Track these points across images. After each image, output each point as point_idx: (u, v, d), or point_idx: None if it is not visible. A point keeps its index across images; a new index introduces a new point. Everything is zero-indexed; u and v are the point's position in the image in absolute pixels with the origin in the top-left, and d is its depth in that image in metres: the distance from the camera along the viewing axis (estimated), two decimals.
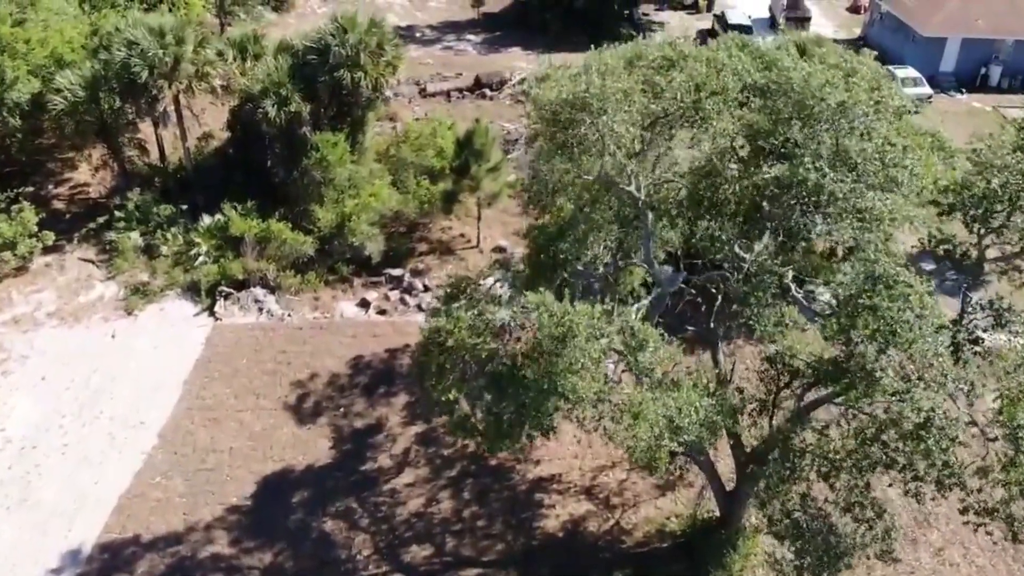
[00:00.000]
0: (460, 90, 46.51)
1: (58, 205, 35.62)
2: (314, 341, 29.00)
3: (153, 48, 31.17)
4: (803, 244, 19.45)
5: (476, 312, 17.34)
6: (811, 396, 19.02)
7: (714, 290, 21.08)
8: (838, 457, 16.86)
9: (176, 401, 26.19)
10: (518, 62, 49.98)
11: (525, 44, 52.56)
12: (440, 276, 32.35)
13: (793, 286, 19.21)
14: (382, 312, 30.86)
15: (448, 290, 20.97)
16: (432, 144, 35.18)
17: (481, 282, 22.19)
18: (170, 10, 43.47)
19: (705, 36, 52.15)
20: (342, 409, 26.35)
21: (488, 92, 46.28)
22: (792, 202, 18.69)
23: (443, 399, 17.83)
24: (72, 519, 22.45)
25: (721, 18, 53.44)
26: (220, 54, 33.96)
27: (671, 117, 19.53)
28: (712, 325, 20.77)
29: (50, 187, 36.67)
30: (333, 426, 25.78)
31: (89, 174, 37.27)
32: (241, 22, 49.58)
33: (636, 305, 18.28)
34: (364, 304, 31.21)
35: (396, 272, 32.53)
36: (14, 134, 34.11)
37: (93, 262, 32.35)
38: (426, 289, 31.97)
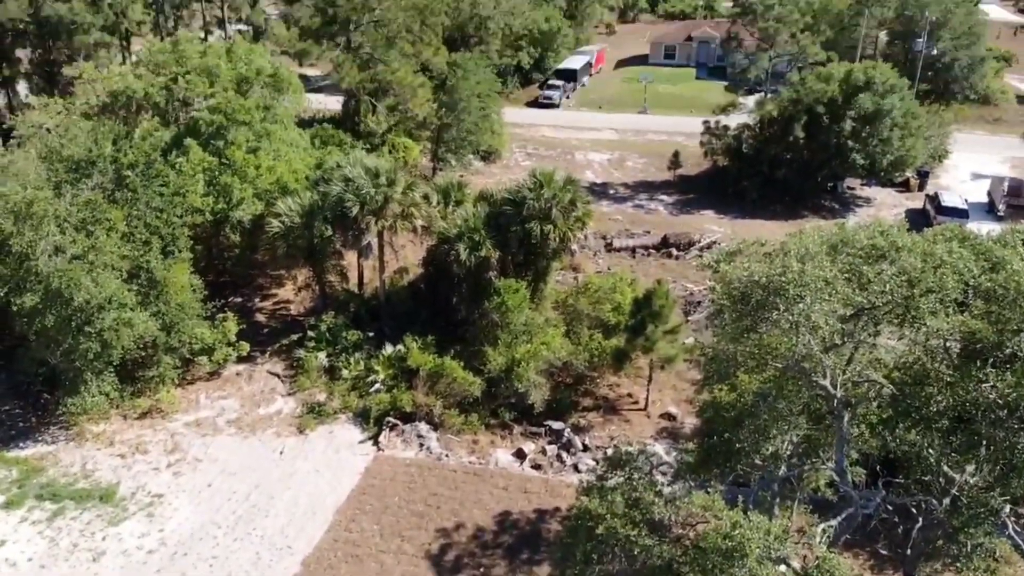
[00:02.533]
0: (646, 248, 46.41)
1: (260, 318, 38.32)
2: (465, 487, 28.37)
3: (367, 186, 33.58)
4: None
5: (633, 499, 15.93)
6: None
7: (914, 510, 18.39)
8: None
9: (325, 530, 26.20)
10: (710, 225, 49.44)
11: (719, 208, 52.11)
12: (602, 436, 31.12)
13: (1011, 521, 16.36)
14: (537, 467, 29.86)
15: (606, 462, 19.70)
16: (610, 299, 34.88)
17: (643, 455, 20.72)
18: (390, 152, 47.52)
19: (916, 217, 49.35)
20: (482, 569, 25.17)
21: (675, 252, 45.83)
22: (1017, 426, 16.16)
23: None
24: None
25: (934, 199, 50.44)
26: (426, 197, 36.04)
27: (877, 311, 17.83)
28: (909, 552, 17.97)
29: (256, 300, 39.69)
30: None
31: (292, 293, 40.04)
32: (451, 168, 52.95)
33: (822, 526, 16.10)
34: (520, 455, 30.41)
35: (557, 425, 31.65)
36: (233, 249, 37.53)
37: (279, 376, 34.11)
38: (585, 449, 30.74)
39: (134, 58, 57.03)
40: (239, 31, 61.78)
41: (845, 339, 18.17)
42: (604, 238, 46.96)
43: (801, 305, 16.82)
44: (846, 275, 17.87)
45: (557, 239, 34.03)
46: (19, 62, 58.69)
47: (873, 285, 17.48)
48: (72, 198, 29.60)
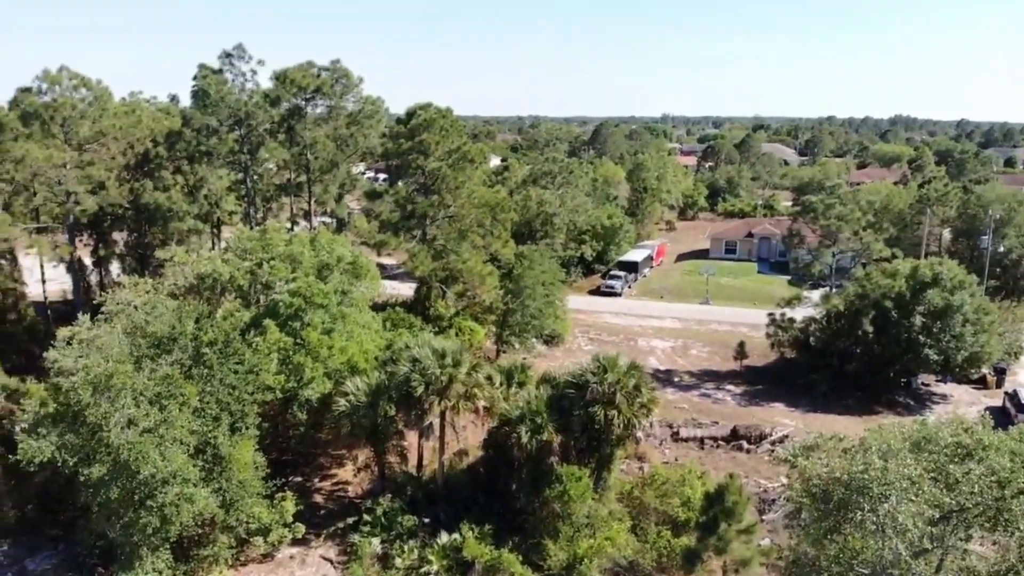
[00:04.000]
0: (715, 439, 45.08)
1: (318, 499, 37.86)
2: None
3: (433, 367, 34.05)
4: None
5: None
6: None
7: None
8: None
9: None
10: (780, 418, 48.05)
11: (789, 401, 50.85)
12: None
13: None
14: None
15: None
16: (679, 492, 33.54)
17: None
18: (457, 334, 48.61)
19: (996, 415, 47.13)
20: None
21: (745, 445, 44.34)
22: None
23: None
24: None
25: (1014, 397, 48.37)
26: (489, 378, 36.25)
27: (967, 513, 16.70)
28: None
29: (315, 480, 39.42)
30: None
31: (352, 473, 39.71)
32: (514, 351, 53.65)
33: None
34: None
35: None
36: (299, 427, 37.87)
37: (332, 562, 33.09)
38: None
39: (223, 244, 61.04)
40: (323, 222, 65.93)
41: (934, 544, 16.95)
42: (670, 427, 45.96)
43: (887, 505, 15.94)
44: (932, 474, 16.98)
45: (621, 425, 33.42)
46: (115, 244, 63.28)
47: (961, 485, 16.54)
48: (150, 372, 30.66)
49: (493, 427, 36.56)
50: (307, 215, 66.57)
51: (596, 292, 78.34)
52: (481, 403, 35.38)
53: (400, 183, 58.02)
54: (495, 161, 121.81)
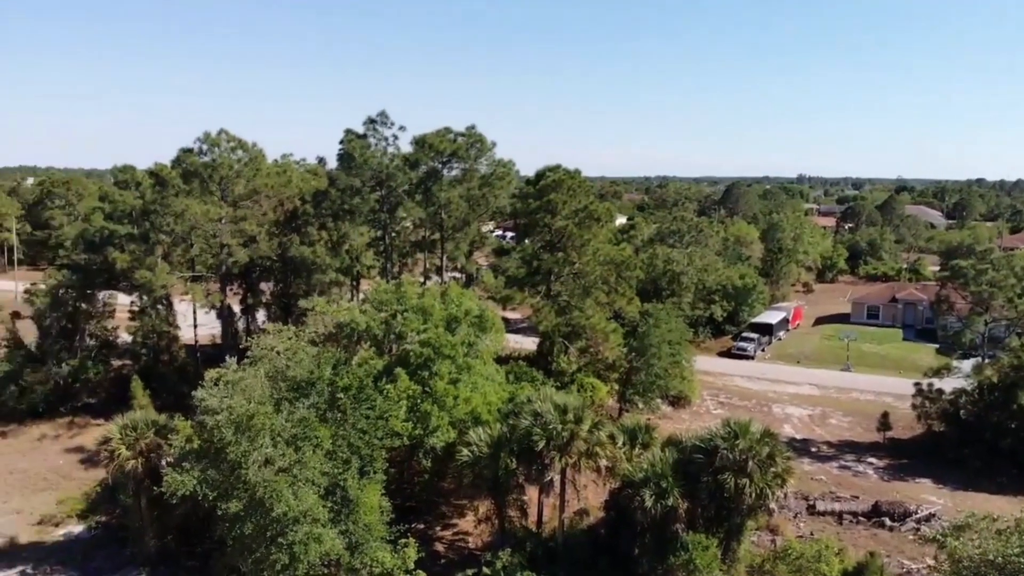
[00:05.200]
0: (854, 514, 42.21)
1: (439, 547, 38.10)
2: None
3: (554, 422, 33.90)
4: None
5: None
6: None
7: None
8: None
9: None
10: (927, 495, 44.50)
11: (937, 477, 47.11)
12: None
13: None
14: None
15: None
16: (814, 569, 31.62)
17: None
18: (579, 390, 48.34)
19: None
20: None
21: (888, 522, 41.24)
22: None
23: None
24: None
25: None
26: (611, 437, 35.66)
27: None
28: None
29: (437, 528, 39.75)
30: None
31: (472, 524, 39.77)
32: (637, 411, 52.67)
33: None
34: None
35: None
36: (423, 474, 38.45)
37: None
38: None
39: (361, 296, 63.80)
40: (454, 277, 67.87)
41: None
42: (806, 499, 43.48)
43: None
44: None
45: (753, 495, 31.90)
46: (262, 293, 67.49)
47: None
48: (288, 414, 32.12)
49: (615, 488, 35.78)
50: (439, 270, 68.67)
51: (727, 354, 76.02)
52: (603, 462, 34.76)
53: (527, 241, 59.02)
54: (621, 220, 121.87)
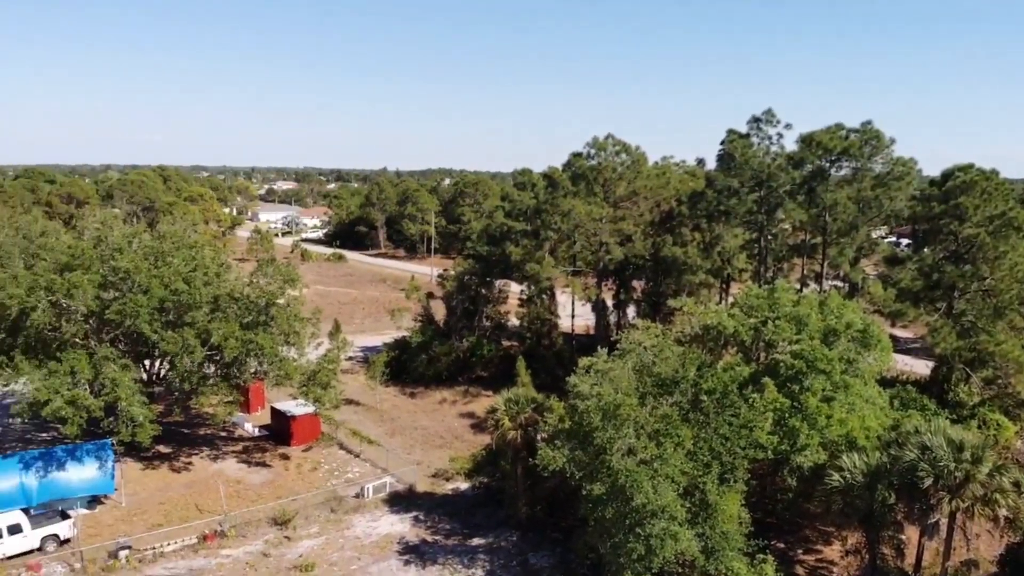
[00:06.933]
0: None
1: (799, 571, 36.10)
2: None
3: (946, 459, 30.01)
4: None
5: None
6: None
7: None
8: None
9: None
10: None
11: None
12: None
13: None
14: None
15: None
16: None
17: None
18: (979, 427, 42.14)
19: None
20: None
21: None
22: None
23: None
24: None
25: None
26: (1016, 485, 30.50)
27: None
28: None
29: (798, 551, 37.65)
30: None
31: (839, 554, 36.96)
32: None
33: None
34: None
35: None
36: (787, 493, 36.63)
37: None
38: None
39: (730, 299, 62.79)
40: (835, 286, 63.42)
41: None
42: None
43: None
44: None
45: None
46: (633, 290, 70.16)
47: None
48: (652, 410, 32.90)
49: (1014, 542, 30.66)
50: (818, 277, 64.70)
51: None
52: (1003, 511, 29.86)
53: (926, 249, 52.83)
54: None
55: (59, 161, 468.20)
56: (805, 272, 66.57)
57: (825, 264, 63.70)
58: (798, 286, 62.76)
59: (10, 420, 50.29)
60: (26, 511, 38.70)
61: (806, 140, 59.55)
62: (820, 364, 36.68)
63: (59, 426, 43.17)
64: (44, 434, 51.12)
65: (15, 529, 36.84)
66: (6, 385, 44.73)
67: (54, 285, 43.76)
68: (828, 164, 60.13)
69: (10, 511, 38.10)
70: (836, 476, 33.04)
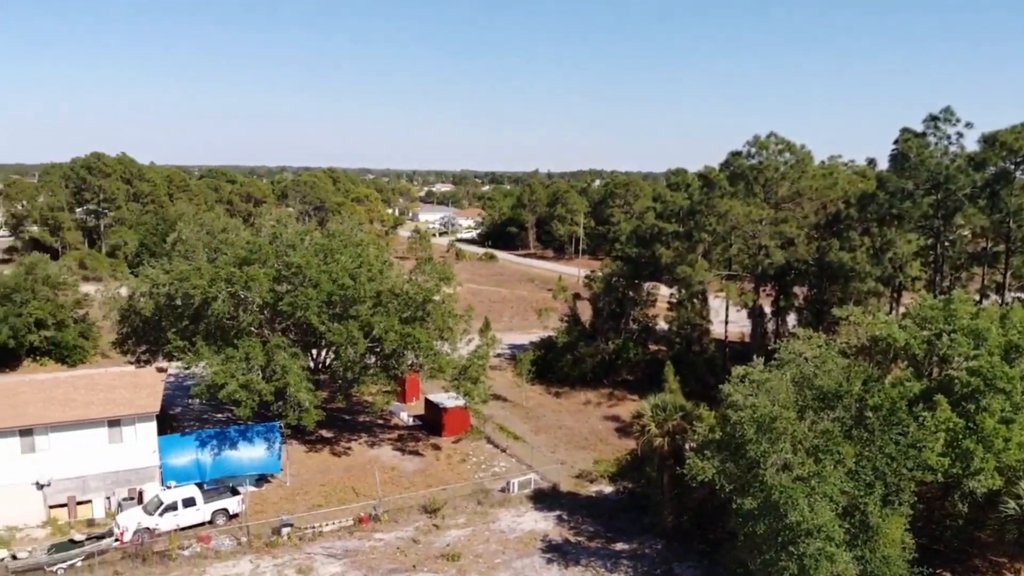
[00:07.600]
0: None
1: None
2: None
3: None
4: None
5: None
6: None
7: None
8: None
9: None
10: None
11: None
12: None
13: None
14: None
15: None
16: None
17: None
18: None
19: None
20: None
21: None
22: None
23: None
24: None
25: None
26: None
27: None
28: None
29: None
30: None
31: None
32: None
33: None
34: None
35: None
36: (958, 519, 33.94)
37: None
38: None
39: (902, 309, 58.82)
40: (1019, 298, 58.01)
41: None
42: None
43: None
44: None
45: None
46: (795, 296, 66.96)
47: None
48: (811, 424, 31.42)
49: None
50: (999, 288, 59.46)
51: None
52: None
53: None
54: None
55: (239, 162, 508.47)
56: (985, 282, 61.40)
57: (1008, 274, 58.51)
58: (977, 297, 57.97)
59: (189, 400, 55.03)
60: (200, 486, 42.17)
61: (988, 140, 55.12)
62: (999, 382, 33.71)
63: (233, 408, 46.72)
64: (219, 415, 55.42)
65: (189, 502, 40.12)
66: (188, 368, 48.82)
67: (233, 277, 47.34)
68: (1013, 166, 55.28)
69: (186, 485, 41.66)
70: (1012, 504, 30.64)
